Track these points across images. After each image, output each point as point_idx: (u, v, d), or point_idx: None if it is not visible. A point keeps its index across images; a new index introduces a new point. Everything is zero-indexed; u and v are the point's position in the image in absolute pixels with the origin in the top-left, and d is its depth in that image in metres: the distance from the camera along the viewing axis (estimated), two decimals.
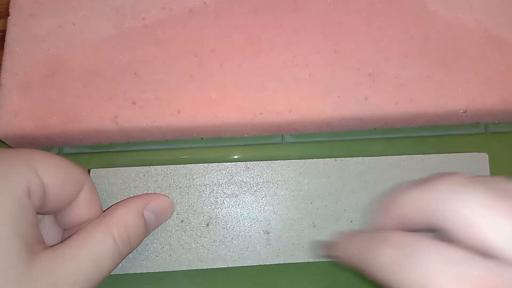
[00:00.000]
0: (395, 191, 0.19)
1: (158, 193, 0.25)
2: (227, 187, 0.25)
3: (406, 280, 0.15)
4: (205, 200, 0.25)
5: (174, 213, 0.25)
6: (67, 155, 0.28)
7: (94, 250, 0.19)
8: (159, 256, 0.24)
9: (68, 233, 0.22)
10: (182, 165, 0.25)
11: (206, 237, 0.25)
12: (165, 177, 0.25)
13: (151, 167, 0.25)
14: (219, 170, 0.25)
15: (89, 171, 0.25)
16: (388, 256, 0.16)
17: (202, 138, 0.28)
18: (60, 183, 0.20)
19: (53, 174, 0.20)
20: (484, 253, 0.15)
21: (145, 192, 0.25)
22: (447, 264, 0.15)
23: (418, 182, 0.18)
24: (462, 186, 0.16)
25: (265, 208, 0.25)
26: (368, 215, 0.25)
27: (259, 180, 0.25)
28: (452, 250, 0.15)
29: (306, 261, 0.25)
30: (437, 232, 0.17)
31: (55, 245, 0.19)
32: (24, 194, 0.18)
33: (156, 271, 0.24)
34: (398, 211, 0.19)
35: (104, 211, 0.22)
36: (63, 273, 0.18)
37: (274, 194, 0.25)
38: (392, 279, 0.16)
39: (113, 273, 0.24)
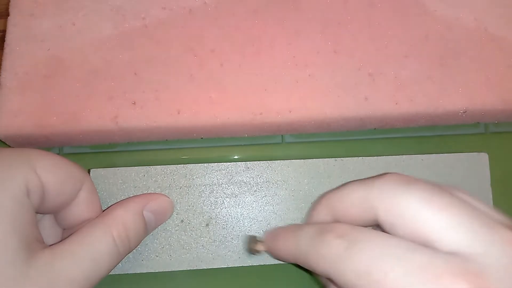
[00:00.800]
0: (336, 188, 0.20)
1: (157, 193, 0.25)
2: (227, 187, 0.25)
3: (349, 270, 0.16)
4: (205, 200, 0.25)
5: (174, 213, 0.25)
6: (67, 155, 0.28)
7: (93, 250, 0.19)
8: (159, 256, 0.24)
9: (67, 233, 0.22)
10: (182, 165, 0.25)
11: (206, 237, 0.25)
12: (165, 177, 0.25)
13: (151, 167, 0.25)
14: (219, 170, 0.25)
15: (89, 171, 0.25)
16: (331, 246, 0.17)
17: (202, 138, 0.28)
18: (59, 183, 0.20)
19: (52, 174, 0.20)
20: (423, 244, 0.15)
21: (145, 192, 0.25)
22: (391, 252, 0.15)
23: (360, 180, 0.19)
24: (401, 183, 0.17)
25: (265, 208, 0.25)
26: (307, 213, 0.24)
27: (259, 180, 0.25)
28: (395, 239, 0.16)
29: None
30: (376, 227, 0.18)
31: (54, 244, 0.19)
32: (23, 193, 0.18)
33: (156, 271, 0.24)
34: (338, 207, 0.19)
35: (103, 211, 0.22)
36: (61, 272, 0.18)
37: (274, 194, 0.25)
38: (334, 270, 0.16)
39: (113, 273, 0.24)
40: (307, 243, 0.18)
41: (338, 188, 0.20)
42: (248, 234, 0.25)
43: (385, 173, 0.18)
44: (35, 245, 0.18)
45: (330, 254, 0.17)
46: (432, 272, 0.14)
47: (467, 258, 0.15)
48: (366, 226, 0.18)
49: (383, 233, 0.17)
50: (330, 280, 0.18)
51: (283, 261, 0.21)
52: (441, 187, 0.17)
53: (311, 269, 0.18)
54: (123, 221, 0.21)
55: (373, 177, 0.18)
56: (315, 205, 0.21)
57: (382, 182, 0.18)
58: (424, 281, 0.14)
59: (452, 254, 0.15)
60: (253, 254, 0.24)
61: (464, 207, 0.16)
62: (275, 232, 0.22)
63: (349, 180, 0.25)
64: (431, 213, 0.16)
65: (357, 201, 0.18)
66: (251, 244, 0.23)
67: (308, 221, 0.22)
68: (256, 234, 0.25)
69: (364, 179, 0.19)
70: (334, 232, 0.17)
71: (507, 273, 0.14)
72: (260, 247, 0.23)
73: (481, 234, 0.15)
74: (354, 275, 0.16)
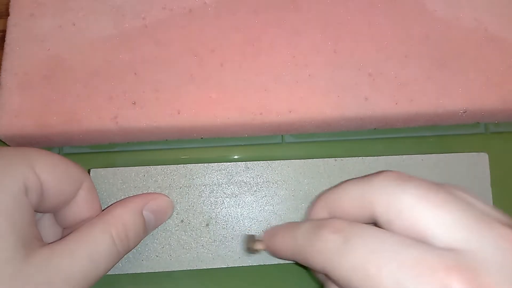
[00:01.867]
0: (333, 187, 0.20)
1: (157, 193, 0.25)
2: (227, 187, 0.25)
3: (344, 264, 0.16)
4: (205, 200, 0.25)
5: (174, 213, 0.25)
6: (67, 155, 0.28)
7: (91, 248, 0.19)
8: (159, 256, 0.24)
9: (67, 232, 0.22)
10: (182, 165, 0.25)
11: (206, 237, 0.25)
12: (165, 177, 0.25)
13: (151, 167, 0.25)
14: (219, 170, 0.25)
15: (89, 171, 0.25)
16: (327, 240, 0.17)
17: (202, 138, 0.28)
18: (58, 181, 0.20)
19: (51, 172, 0.20)
20: (419, 240, 0.16)
21: (145, 192, 0.25)
22: (386, 247, 0.15)
23: (357, 178, 0.19)
24: (398, 179, 0.17)
25: (265, 208, 0.25)
26: (306, 212, 0.24)
27: (259, 180, 0.25)
28: (390, 235, 0.16)
29: None
30: (373, 225, 0.18)
31: (52, 242, 0.19)
32: (21, 191, 0.18)
33: (156, 271, 0.24)
34: (336, 205, 0.19)
35: (103, 210, 0.22)
36: (59, 270, 0.18)
37: (274, 194, 0.25)
38: (330, 264, 0.16)
39: (113, 273, 0.24)
40: (304, 239, 0.18)
41: (335, 186, 0.20)
42: (246, 233, 0.25)
43: (382, 171, 0.18)
44: (34, 243, 0.18)
45: (326, 248, 0.17)
46: (426, 266, 0.14)
47: (462, 253, 0.15)
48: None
49: (379, 228, 0.17)
50: (327, 277, 0.18)
51: (282, 259, 0.21)
52: (438, 184, 0.17)
53: (309, 265, 0.18)
54: (123, 220, 0.21)
55: (370, 174, 0.19)
56: (313, 203, 0.21)
57: (380, 179, 0.18)
58: (418, 275, 0.14)
59: (446, 250, 0.15)
60: (252, 253, 0.24)
61: (460, 204, 0.16)
62: (273, 230, 0.22)
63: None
64: (426, 210, 0.16)
65: (354, 198, 0.18)
66: (250, 243, 0.23)
67: (306, 219, 0.22)
68: (255, 233, 0.25)
69: (361, 177, 0.19)
70: (330, 227, 0.17)
71: (501, 268, 0.14)
72: (258, 246, 0.23)
73: (476, 230, 0.15)
74: (350, 270, 0.16)
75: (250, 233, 0.25)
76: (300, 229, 0.19)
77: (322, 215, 0.20)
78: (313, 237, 0.18)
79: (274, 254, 0.22)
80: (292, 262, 0.25)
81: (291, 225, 0.20)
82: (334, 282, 0.17)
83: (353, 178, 0.19)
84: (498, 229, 0.15)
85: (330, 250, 0.17)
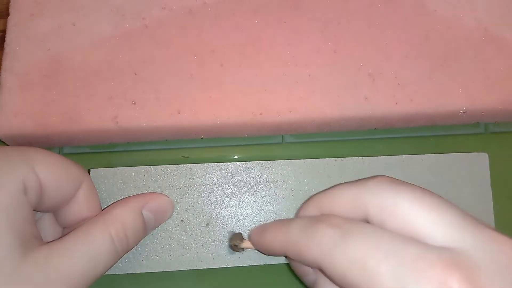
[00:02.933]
0: (326, 190, 0.21)
1: (157, 193, 0.25)
2: (227, 187, 0.25)
3: (342, 257, 0.16)
4: (205, 200, 0.25)
5: (174, 213, 0.25)
6: (67, 155, 0.28)
7: (90, 247, 0.19)
8: (159, 256, 0.24)
9: (67, 231, 0.22)
10: (182, 165, 0.25)
11: (206, 237, 0.25)
12: (165, 177, 0.25)
13: (151, 167, 0.25)
14: (219, 170, 0.25)
15: (89, 171, 0.25)
16: (325, 234, 0.17)
17: (202, 138, 0.28)
18: (58, 181, 0.20)
19: (50, 172, 0.20)
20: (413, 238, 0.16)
21: (145, 192, 0.25)
22: (385, 242, 0.16)
23: (350, 182, 0.19)
24: (393, 183, 0.18)
25: (265, 208, 0.25)
26: (297, 211, 0.24)
27: (259, 180, 0.25)
28: (387, 232, 0.16)
29: None
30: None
31: (51, 241, 0.19)
32: (20, 190, 0.18)
33: (156, 271, 0.24)
34: (328, 206, 0.20)
35: (103, 210, 0.22)
36: (57, 269, 0.18)
37: (274, 194, 0.25)
38: (326, 257, 0.17)
39: (113, 273, 0.24)
40: (299, 232, 0.19)
41: (328, 189, 0.21)
42: (232, 231, 0.25)
43: (376, 175, 0.19)
44: (32, 241, 0.18)
45: (324, 241, 0.17)
46: (425, 263, 0.15)
47: (458, 252, 0.15)
48: None
49: (377, 226, 0.17)
50: (321, 273, 0.18)
51: (272, 255, 0.22)
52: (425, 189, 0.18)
53: (302, 260, 0.18)
54: (122, 219, 0.21)
55: (363, 179, 0.19)
56: (304, 204, 0.22)
57: (375, 181, 0.18)
58: (417, 272, 0.15)
59: (443, 248, 0.15)
60: (236, 251, 0.24)
61: (453, 206, 0.17)
62: (263, 226, 0.22)
63: (348, 180, 0.25)
64: (422, 210, 0.16)
65: (348, 200, 0.19)
66: (235, 241, 0.23)
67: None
68: (241, 231, 0.25)
69: (354, 180, 0.19)
70: (328, 222, 0.18)
71: (495, 267, 0.15)
72: (244, 244, 0.23)
73: (470, 231, 0.16)
74: (347, 263, 0.16)
75: (235, 231, 0.25)
76: (295, 224, 0.19)
77: (313, 215, 0.21)
78: (310, 231, 0.18)
79: (264, 249, 0.22)
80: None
81: (282, 221, 0.21)
82: (329, 277, 0.17)
83: (345, 182, 0.20)
84: (488, 231, 0.16)
85: (327, 243, 0.17)
